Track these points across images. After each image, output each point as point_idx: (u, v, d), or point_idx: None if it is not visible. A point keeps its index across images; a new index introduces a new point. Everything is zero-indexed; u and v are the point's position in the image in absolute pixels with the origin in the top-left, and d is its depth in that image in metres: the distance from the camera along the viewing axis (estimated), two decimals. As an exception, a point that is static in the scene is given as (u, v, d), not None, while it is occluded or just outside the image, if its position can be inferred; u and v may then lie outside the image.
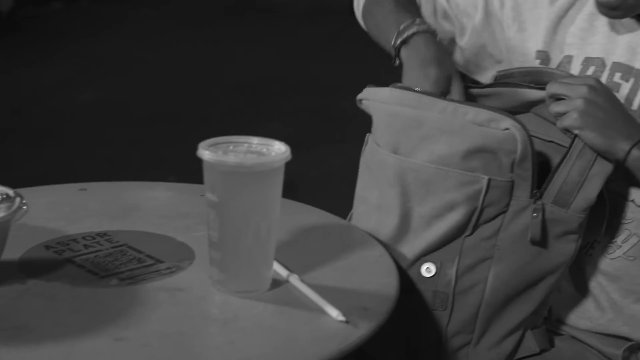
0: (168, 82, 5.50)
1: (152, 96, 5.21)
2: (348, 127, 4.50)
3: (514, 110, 1.38)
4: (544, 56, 1.47)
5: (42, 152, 4.20)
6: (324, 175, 3.84)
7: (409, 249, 1.35)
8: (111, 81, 5.59)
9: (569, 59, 1.45)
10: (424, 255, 1.34)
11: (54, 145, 4.31)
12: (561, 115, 1.31)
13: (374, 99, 1.40)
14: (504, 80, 1.44)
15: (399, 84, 1.41)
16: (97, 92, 5.26)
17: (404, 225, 1.34)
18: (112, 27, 7.23)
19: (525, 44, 1.48)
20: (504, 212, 1.30)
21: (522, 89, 1.40)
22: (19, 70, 5.79)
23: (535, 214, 1.28)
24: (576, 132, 1.29)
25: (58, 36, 6.84)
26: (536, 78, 1.40)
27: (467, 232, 1.32)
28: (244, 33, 6.43)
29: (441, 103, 1.32)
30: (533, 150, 1.28)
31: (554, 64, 1.45)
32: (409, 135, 1.34)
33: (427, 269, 1.34)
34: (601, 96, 1.30)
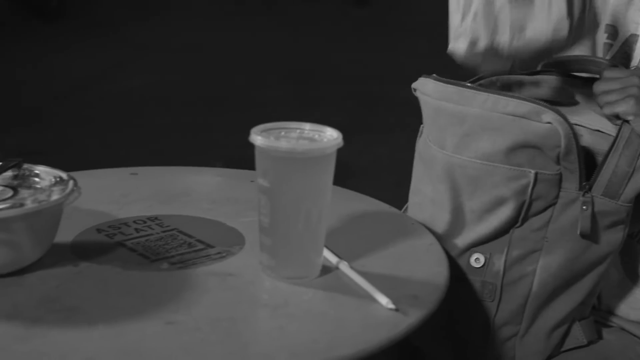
0: (216, 68, 5.52)
1: (201, 81, 5.23)
2: (395, 115, 4.49)
3: (559, 100, 1.37)
4: (611, 30, 1.45)
5: (91, 137, 4.23)
6: (370, 163, 3.83)
7: (460, 240, 1.34)
8: (160, 66, 5.62)
9: (635, 38, 1.43)
10: (474, 247, 1.34)
11: (103, 130, 4.35)
12: (612, 103, 1.29)
13: (423, 91, 1.39)
14: (549, 67, 1.43)
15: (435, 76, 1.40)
16: (145, 77, 5.29)
17: (456, 220, 1.34)
18: (160, 13, 7.26)
19: (596, 17, 1.47)
20: (554, 204, 1.29)
21: (567, 78, 1.39)
22: (68, 55, 5.85)
23: (584, 207, 1.27)
24: (630, 118, 1.27)
25: (107, 22, 6.89)
26: (583, 66, 1.39)
27: (517, 224, 1.31)
28: (290, 19, 6.43)
29: (481, 96, 1.31)
30: (577, 143, 1.26)
31: (620, 40, 1.43)
32: (453, 132, 1.33)
33: (477, 259, 1.33)
34: None
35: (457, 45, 1.44)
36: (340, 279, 1.17)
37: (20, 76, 5.34)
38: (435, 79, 1.37)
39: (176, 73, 5.45)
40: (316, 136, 1.16)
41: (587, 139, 1.31)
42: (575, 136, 1.26)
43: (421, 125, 1.44)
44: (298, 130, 1.17)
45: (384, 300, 1.10)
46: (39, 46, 6.07)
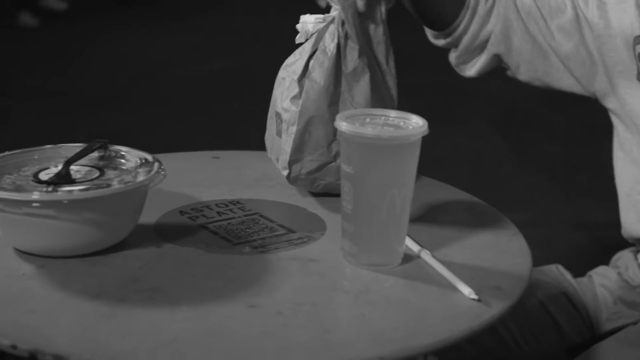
0: (286, 55, 5.53)
1: (275, 70, 5.24)
2: (472, 105, 4.46)
3: None
4: None
5: (165, 121, 4.28)
6: (446, 152, 3.81)
7: None
8: (234, 53, 5.65)
9: None
10: None
11: (177, 115, 4.39)
12: None
13: None
14: None
15: None
16: (219, 63, 5.32)
17: None
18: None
19: (615, 38, 1.42)
20: None
21: None
22: (143, 40, 5.91)
23: None
24: None
25: (181, 7, 6.94)
26: None
27: None
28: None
29: None
30: None
31: None
32: None
33: None
34: None
35: None
36: (421, 267, 1.17)
37: (99, 60, 5.41)
38: None
39: (250, 59, 5.47)
40: (401, 123, 1.15)
41: None
42: None
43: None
44: (383, 117, 1.17)
45: (466, 290, 1.09)
46: (117, 31, 6.15)
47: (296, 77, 1.33)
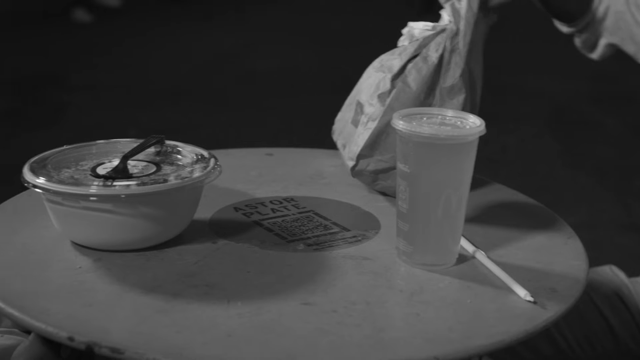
0: (344, 50, 5.53)
1: (329, 66, 5.24)
2: (523, 105, 4.42)
3: None
4: None
5: (218, 117, 4.30)
6: (497, 152, 3.79)
7: None
8: (288, 49, 5.66)
9: None
10: None
11: (230, 111, 4.41)
12: None
13: None
14: None
15: None
16: (274, 60, 5.34)
17: None
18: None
19: None
20: None
21: None
22: (196, 36, 5.95)
23: None
24: None
25: (236, 4, 6.97)
26: None
27: None
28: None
29: None
30: None
31: None
32: None
33: None
34: None
35: None
36: (476, 268, 1.16)
37: (153, 56, 5.46)
38: None
39: (304, 57, 5.48)
40: (458, 123, 1.15)
41: None
42: None
43: None
44: (440, 116, 1.16)
45: (521, 292, 1.09)
46: (170, 26, 6.19)
47: (390, 75, 1.32)
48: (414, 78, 1.30)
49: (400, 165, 1.13)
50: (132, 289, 1.08)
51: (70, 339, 0.97)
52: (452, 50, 1.29)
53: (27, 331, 1.23)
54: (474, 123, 1.14)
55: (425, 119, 1.15)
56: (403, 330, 1.03)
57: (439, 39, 1.30)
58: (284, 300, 1.06)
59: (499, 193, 1.43)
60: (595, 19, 1.53)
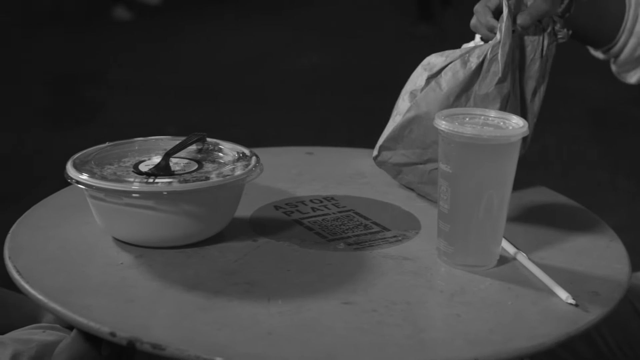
0: (385, 52, 5.52)
1: (365, 66, 5.24)
2: (563, 106, 4.39)
3: None
4: None
5: (257, 115, 4.31)
6: (537, 153, 3.76)
7: None
8: (328, 48, 5.66)
9: None
10: None
11: (270, 109, 4.42)
12: None
13: None
14: None
15: None
16: (313, 59, 5.34)
17: None
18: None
19: None
20: None
21: None
22: (236, 34, 5.96)
23: None
24: None
25: (277, 2, 6.99)
26: None
27: None
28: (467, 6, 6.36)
29: None
30: None
31: None
32: None
33: None
34: None
35: None
36: (517, 270, 1.15)
37: (192, 53, 5.48)
38: None
39: (346, 54, 5.48)
40: (501, 123, 1.14)
41: None
42: None
43: None
44: (483, 117, 1.16)
45: (563, 294, 1.08)
46: (209, 25, 6.22)
47: (429, 73, 1.32)
48: (448, 80, 1.30)
49: (442, 166, 1.13)
50: (173, 285, 1.08)
51: (112, 334, 0.98)
52: (492, 59, 1.28)
53: (69, 327, 1.24)
54: (517, 124, 1.13)
55: (467, 119, 1.15)
56: (443, 331, 1.03)
57: (484, 47, 1.29)
58: (324, 299, 1.06)
59: (539, 194, 1.42)
60: (628, 44, 1.49)
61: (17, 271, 1.10)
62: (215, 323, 1.00)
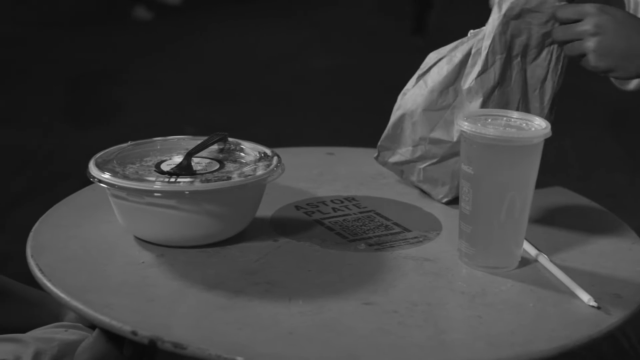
0: (404, 53, 5.51)
1: (386, 66, 5.23)
2: (584, 107, 4.37)
3: None
4: None
5: (276, 114, 4.31)
6: (557, 155, 3.74)
7: None
8: (348, 49, 5.66)
9: None
10: None
11: (290, 109, 4.42)
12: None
13: None
14: None
15: None
16: (333, 59, 5.34)
17: None
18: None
19: None
20: None
21: None
22: (256, 35, 5.97)
23: None
24: None
25: (297, 3, 6.99)
26: None
27: None
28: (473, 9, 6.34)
29: None
30: None
31: None
32: None
33: None
34: None
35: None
36: (539, 272, 1.15)
37: (212, 53, 5.49)
38: None
39: (361, 57, 5.47)
40: (524, 125, 1.14)
41: None
42: None
43: None
44: (505, 118, 1.15)
45: (585, 296, 1.07)
46: (229, 25, 6.23)
47: (420, 72, 1.34)
48: (433, 76, 1.31)
49: (464, 167, 1.12)
50: (194, 285, 1.09)
51: (134, 333, 0.98)
52: (476, 53, 1.28)
53: (91, 326, 1.24)
54: (540, 125, 1.13)
55: (490, 120, 1.15)
56: (465, 332, 1.03)
57: (471, 41, 1.30)
58: (345, 299, 1.06)
59: (561, 196, 1.41)
60: None
61: (40, 269, 1.11)
62: (235, 322, 1.00)
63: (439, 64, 1.31)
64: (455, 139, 1.30)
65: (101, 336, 1.11)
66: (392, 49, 5.62)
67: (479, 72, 1.28)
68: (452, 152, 1.31)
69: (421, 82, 1.33)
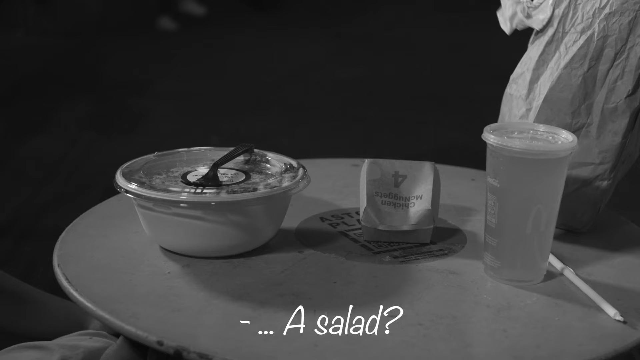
0: (427, 64, 5.51)
1: (411, 77, 5.23)
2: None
3: None
4: None
5: (301, 125, 4.31)
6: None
7: None
8: (371, 60, 5.66)
9: None
10: None
11: (314, 119, 4.42)
12: None
13: None
14: None
15: None
16: (356, 70, 5.34)
17: None
18: (373, 6, 7.32)
19: None
20: None
21: None
22: (280, 45, 5.99)
23: None
24: None
25: (320, 14, 7.01)
26: None
27: None
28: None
29: None
30: None
31: None
32: None
33: None
34: None
35: None
36: (564, 285, 1.15)
37: (236, 64, 5.51)
38: None
39: (386, 67, 5.48)
40: (550, 138, 1.14)
41: None
42: None
43: None
44: (531, 131, 1.15)
45: (611, 311, 1.07)
46: (253, 35, 6.25)
47: (522, 93, 1.29)
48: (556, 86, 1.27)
49: (490, 180, 1.12)
50: (219, 295, 1.09)
51: (160, 343, 0.99)
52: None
53: (115, 334, 1.25)
54: (567, 138, 1.12)
55: (516, 133, 1.14)
56: (490, 346, 1.02)
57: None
58: (370, 311, 1.06)
59: (587, 210, 1.40)
60: None
61: (67, 279, 1.11)
62: (261, 334, 1.01)
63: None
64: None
65: (125, 344, 1.11)
66: (422, 60, 5.61)
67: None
68: None
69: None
